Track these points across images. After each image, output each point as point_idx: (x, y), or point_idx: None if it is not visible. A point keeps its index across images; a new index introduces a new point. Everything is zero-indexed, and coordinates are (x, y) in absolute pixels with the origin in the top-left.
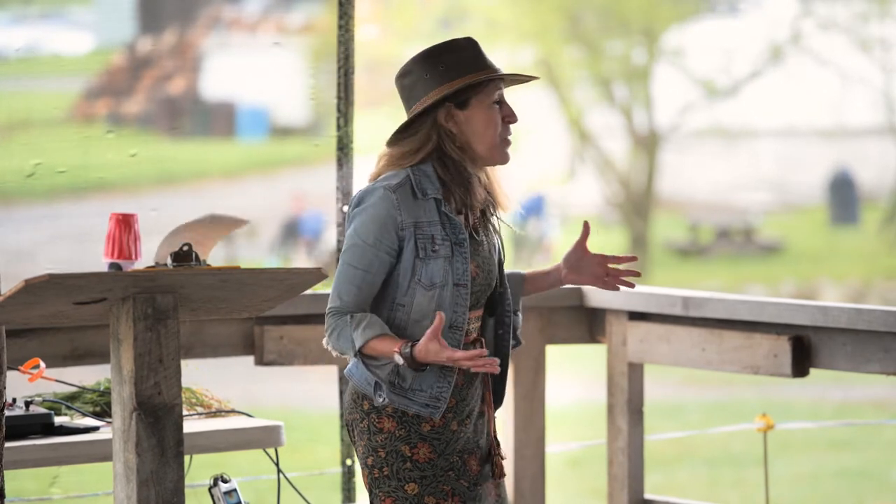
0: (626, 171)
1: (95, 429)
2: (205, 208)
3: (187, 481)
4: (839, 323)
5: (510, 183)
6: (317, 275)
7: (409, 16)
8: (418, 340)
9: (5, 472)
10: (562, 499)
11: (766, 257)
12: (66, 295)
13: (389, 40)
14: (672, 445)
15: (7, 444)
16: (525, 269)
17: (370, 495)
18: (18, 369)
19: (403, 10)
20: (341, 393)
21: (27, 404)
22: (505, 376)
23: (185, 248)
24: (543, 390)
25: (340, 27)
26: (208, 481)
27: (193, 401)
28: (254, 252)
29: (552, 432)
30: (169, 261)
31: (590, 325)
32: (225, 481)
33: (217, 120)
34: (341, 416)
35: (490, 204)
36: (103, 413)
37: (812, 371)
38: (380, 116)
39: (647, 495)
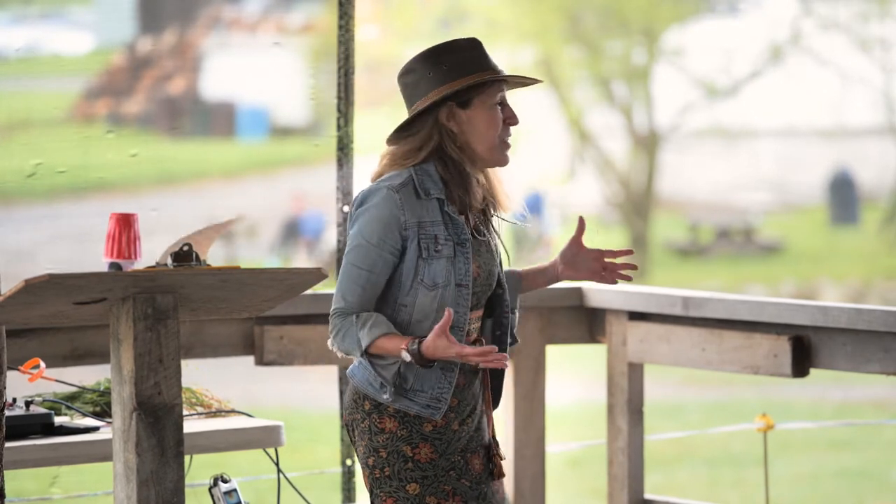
0: (626, 171)
1: (95, 429)
2: (205, 208)
3: (187, 481)
4: (839, 323)
5: (510, 183)
6: (317, 275)
7: (409, 16)
8: (425, 337)
9: (5, 472)
10: (562, 499)
11: (766, 257)
12: (66, 295)
13: (389, 40)
14: (672, 445)
15: (7, 444)
16: (522, 267)
17: (371, 495)
18: (18, 369)
19: (403, 10)
20: (341, 393)
21: (27, 404)
22: (503, 377)
23: (186, 248)
24: (543, 390)
25: (340, 27)
26: (208, 481)
27: (193, 401)
28: (254, 252)
29: (552, 432)
30: (169, 261)
31: (590, 325)
32: (225, 481)
33: (217, 120)
34: (341, 416)
35: (490, 204)
36: (103, 413)
37: (812, 371)
38: (380, 116)
39: (647, 495)
